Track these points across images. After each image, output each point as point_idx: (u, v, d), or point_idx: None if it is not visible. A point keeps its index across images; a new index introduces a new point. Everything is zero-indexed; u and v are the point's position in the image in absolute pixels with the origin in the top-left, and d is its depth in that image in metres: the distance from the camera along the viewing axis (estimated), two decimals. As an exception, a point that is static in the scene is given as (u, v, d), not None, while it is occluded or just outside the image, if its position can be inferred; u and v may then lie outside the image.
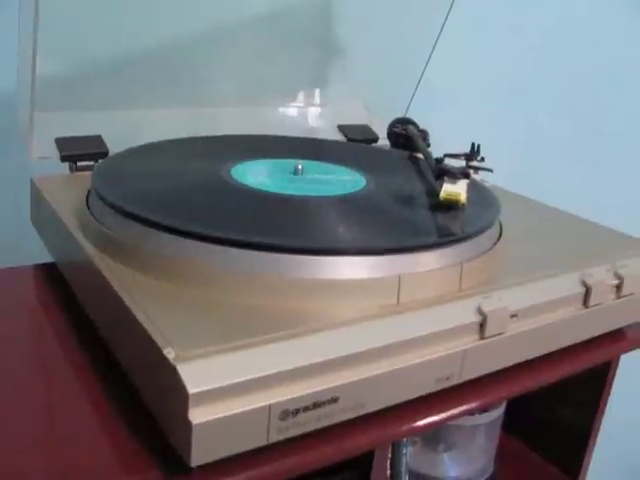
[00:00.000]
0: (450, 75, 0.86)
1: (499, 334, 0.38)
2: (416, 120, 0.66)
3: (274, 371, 0.30)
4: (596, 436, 0.58)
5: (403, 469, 0.60)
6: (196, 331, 0.32)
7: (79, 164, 0.55)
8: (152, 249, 0.37)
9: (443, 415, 0.38)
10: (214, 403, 0.29)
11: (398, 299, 0.36)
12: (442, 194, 0.44)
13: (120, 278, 0.36)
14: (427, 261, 0.38)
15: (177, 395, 0.29)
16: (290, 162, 0.50)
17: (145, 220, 0.38)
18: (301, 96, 0.75)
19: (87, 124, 0.58)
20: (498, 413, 0.63)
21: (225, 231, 0.36)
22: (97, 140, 0.57)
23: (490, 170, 0.49)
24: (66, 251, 0.45)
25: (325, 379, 0.32)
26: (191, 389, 0.28)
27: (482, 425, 0.63)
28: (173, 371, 0.29)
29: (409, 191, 0.49)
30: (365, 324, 0.34)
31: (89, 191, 0.46)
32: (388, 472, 0.60)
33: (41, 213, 0.51)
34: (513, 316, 0.39)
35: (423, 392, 0.36)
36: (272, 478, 0.32)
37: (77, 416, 0.35)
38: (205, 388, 0.29)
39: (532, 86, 0.97)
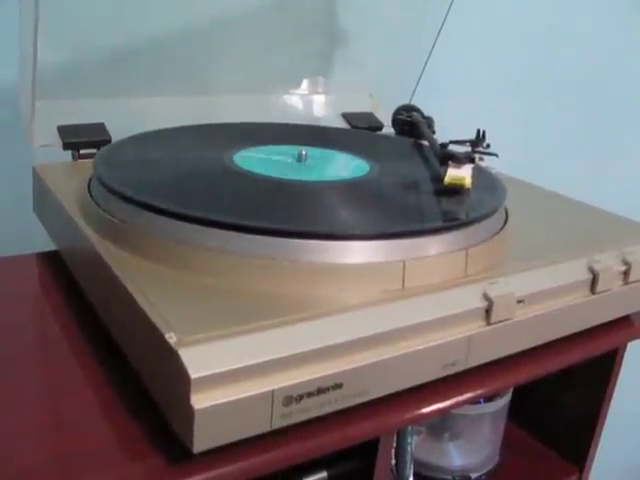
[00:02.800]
0: (455, 63, 0.85)
1: (505, 320, 0.38)
2: (421, 108, 0.65)
3: (277, 356, 0.30)
4: (602, 425, 0.57)
5: (408, 458, 0.60)
6: (198, 316, 0.32)
7: (81, 152, 0.55)
8: (153, 234, 0.37)
9: (449, 402, 0.38)
10: (216, 388, 0.29)
11: (403, 284, 0.36)
12: (447, 179, 0.43)
13: (121, 263, 0.36)
14: (432, 246, 0.37)
15: (179, 380, 0.29)
16: (294, 148, 0.49)
17: (146, 205, 0.38)
18: (305, 84, 0.74)
19: (90, 112, 0.58)
20: (504, 402, 0.62)
21: (226, 215, 0.36)
22: (100, 128, 0.57)
23: (495, 155, 0.48)
24: (68, 238, 0.45)
25: (329, 365, 0.32)
26: (193, 374, 0.28)
27: (488, 414, 0.63)
28: (175, 356, 0.29)
29: (414, 176, 0.48)
30: (370, 309, 0.34)
31: (91, 178, 0.45)
32: (393, 461, 0.60)
33: (43, 201, 0.50)
34: (520, 302, 0.38)
35: (429, 378, 0.36)
36: (276, 465, 0.32)
37: (79, 402, 0.34)
38: (207, 373, 0.28)
39: (538, 74, 0.97)
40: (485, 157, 0.60)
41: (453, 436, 0.65)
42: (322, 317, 0.32)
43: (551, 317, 0.40)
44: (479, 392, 0.39)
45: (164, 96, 0.63)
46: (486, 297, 0.37)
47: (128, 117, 0.61)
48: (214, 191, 0.42)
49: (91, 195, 0.43)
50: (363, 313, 0.33)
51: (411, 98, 0.73)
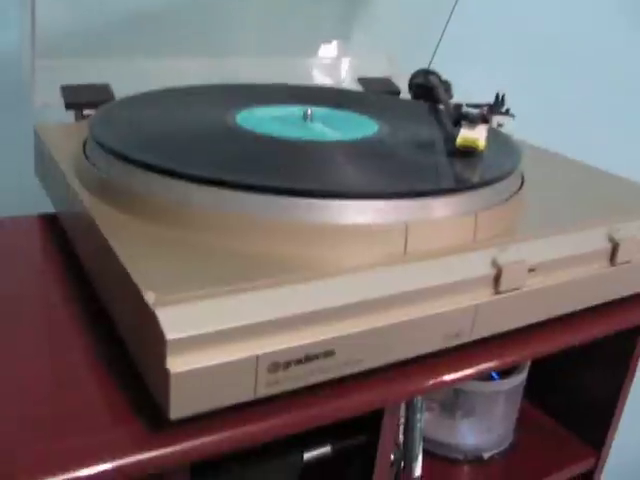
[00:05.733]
0: (478, 28, 0.82)
1: (515, 289, 0.35)
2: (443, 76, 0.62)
3: (263, 319, 0.28)
4: (623, 406, 0.55)
5: (417, 435, 0.58)
6: (182, 275, 0.30)
7: (85, 112, 0.53)
8: (139, 189, 0.35)
9: (453, 375, 0.36)
10: (196, 352, 0.27)
11: (405, 248, 0.34)
12: (459, 139, 0.41)
13: (108, 220, 0.34)
14: (438, 208, 0.35)
15: (156, 342, 0.27)
16: (300, 108, 0.47)
17: (130, 159, 0.36)
18: (323, 47, 0.72)
19: (96, 73, 0.56)
20: (520, 379, 0.60)
21: (213, 171, 0.34)
22: (104, 88, 0.55)
23: (512, 116, 0.45)
24: (62, 198, 0.43)
25: (320, 330, 0.29)
26: (169, 335, 0.26)
27: (502, 392, 0.60)
28: (152, 316, 0.27)
29: (424, 138, 0.46)
30: (366, 273, 0.31)
31: (87, 136, 0.44)
32: (401, 438, 0.58)
33: (42, 162, 0.49)
34: (531, 270, 0.36)
35: (429, 349, 0.34)
36: (261, 436, 0.30)
37: (66, 364, 0.33)
38: (185, 334, 0.26)
39: (564, 40, 0.93)
40: (505, 124, 0.58)
41: (466, 413, 0.63)
42: (313, 279, 0.30)
43: (565, 288, 0.37)
44: (486, 366, 0.37)
45: (176, 57, 0.61)
46: (495, 264, 0.34)
47: (137, 78, 0.59)
48: (206, 148, 0.40)
49: (85, 153, 0.41)
50: (358, 276, 0.31)
51: (430, 63, 0.71)
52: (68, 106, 0.53)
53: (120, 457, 0.27)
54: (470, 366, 0.37)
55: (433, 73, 0.62)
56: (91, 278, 0.38)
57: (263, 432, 0.30)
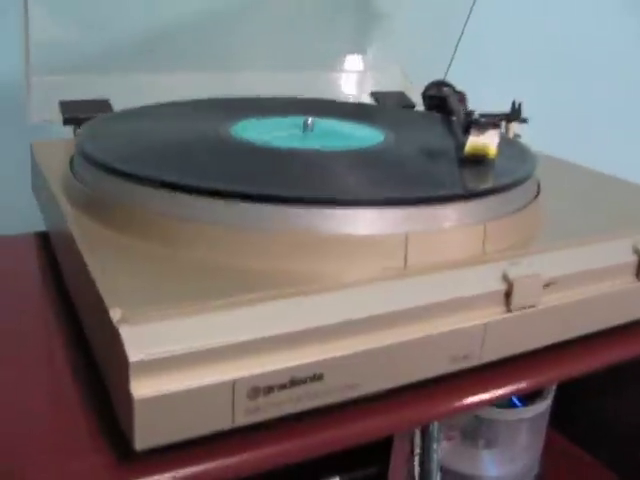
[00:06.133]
0: (494, 41, 0.80)
1: (529, 307, 0.32)
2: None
3: (241, 339, 0.25)
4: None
5: (434, 466, 0.55)
6: (158, 292, 0.27)
7: (83, 128, 0.51)
8: (118, 200, 0.32)
9: (467, 400, 0.32)
10: (164, 375, 0.24)
11: (405, 261, 0.30)
12: (467, 146, 0.38)
13: (87, 234, 0.32)
14: (441, 218, 0.32)
15: (120, 364, 0.24)
16: (300, 119, 0.44)
17: (108, 167, 0.34)
18: (336, 62, 0.70)
19: (97, 89, 0.54)
20: (544, 406, 0.57)
21: (199, 180, 0.31)
22: (104, 104, 0.53)
23: (525, 121, 0.42)
24: (51, 214, 0.41)
25: (306, 352, 0.26)
26: (132, 357, 0.23)
27: (526, 420, 0.57)
28: (116, 334, 0.24)
29: (432, 147, 0.43)
30: (359, 288, 0.28)
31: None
32: (417, 469, 0.55)
33: (36, 178, 0.47)
34: (547, 286, 0.32)
35: (434, 373, 0.30)
36: (243, 470, 0.27)
37: (38, 388, 0.30)
38: (151, 356, 0.24)
39: (580, 50, 0.90)
40: (522, 135, 0.55)
41: (488, 443, 0.59)
42: (299, 295, 0.27)
43: (585, 306, 0.34)
44: (503, 391, 0.34)
45: (185, 72, 0.60)
46: (505, 278, 0.31)
47: (141, 94, 0.57)
48: (195, 158, 0.37)
49: (71, 168, 0.39)
50: (350, 292, 0.28)
51: (445, 75, 0.68)
52: (66, 121, 0.52)
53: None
54: (485, 391, 0.33)
55: (447, 84, 0.60)
56: (72, 298, 0.35)
57: (248, 464, 0.27)
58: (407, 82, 0.71)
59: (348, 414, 0.29)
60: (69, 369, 0.31)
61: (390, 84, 0.71)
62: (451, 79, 0.66)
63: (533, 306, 0.32)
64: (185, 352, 0.24)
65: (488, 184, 0.35)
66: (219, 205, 0.30)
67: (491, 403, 0.33)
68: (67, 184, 0.38)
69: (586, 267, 0.34)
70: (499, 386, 0.34)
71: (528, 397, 0.57)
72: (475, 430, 0.59)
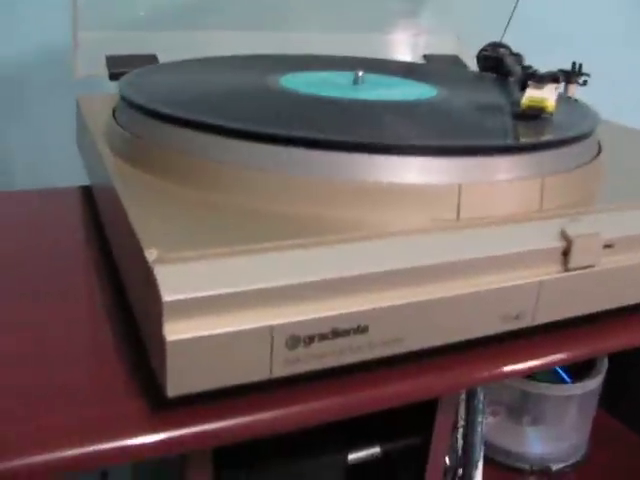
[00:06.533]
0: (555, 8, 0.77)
1: (588, 267, 0.30)
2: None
3: (281, 284, 0.24)
4: None
5: (478, 440, 0.53)
6: (195, 234, 0.26)
7: (130, 83, 0.51)
8: (159, 144, 0.31)
9: (508, 367, 0.30)
10: (199, 318, 0.23)
11: (458, 213, 0.29)
12: (524, 99, 0.36)
13: (126, 178, 0.31)
14: (497, 170, 0.30)
15: (154, 305, 0.23)
16: (351, 73, 0.43)
17: (149, 111, 0.32)
18: (391, 25, 0.68)
19: (145, 45, 0.54)
20: (594, 384, 0.55)
21: (241, 124, 0.30)
22: (151, 59, 0.52)
23: (585, 83, 0.40)
24: (93, 165, 0.40)
25: (351, 301, 0.25)
26: (167, 296, 0.22)
27: (575, 397, 0.55)
28: (151, 275, 0.23)
29: (488, 102, 0.41)
30: (408, 238, 0.27)
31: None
32: (461, 442, 0.53)
33: (80, 131, 0.47)
34: (608, 247, 0.30)
35: (484, 332, 0.29)
36: (278, 426, 0.26)
37: (73, 335, 0.30)
38: (186, 296, 0.22)
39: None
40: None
41: (534, 420, 0.57)
42: (345, 243, 0.26)
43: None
44: (553, 358, 0.32)
45: (233, 30, 0.58)
46: (564, 235, 0.29)
47: (189, 52, 0.56)
48: (239, 105, 0.36)
49: (114, 116, 0.38)
50: (399, 241, 0.26)
51: (501, 39, 0.65)
52: (112, 76, 0.51)
53: (113, 436, 0.23)
54: (535, 357, 0.31)
55: (503, 45, 0.57)
56: (111, 247, 0.35)
57: (284, 420, 0.26)
58: (461, 46, 0.69)
59: (390, 373, 0.28)
60: (107, 317, 0.31)
61: (444, 48, 0.68)
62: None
63: (592, 266, 0.30)
64: (221, 294, 0.23)
65: (546, 137, 0.33)
66: (262, 149, 0.29)
67: (542, 369, 0.31)
68: (109, 131, 0.37)
69: (651, 229, 0.32)
70: (549, 353, 0.32)
71: (578, 373, 0.55)
72: (521, 406, 0.57)
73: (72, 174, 0.50)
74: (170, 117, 0.31)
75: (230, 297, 0.23)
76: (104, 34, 0.54)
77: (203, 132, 0.30)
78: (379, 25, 0.67)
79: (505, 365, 0.30)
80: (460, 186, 0.29)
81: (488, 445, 0.57)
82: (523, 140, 0.32)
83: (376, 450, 0.40)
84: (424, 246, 0.27)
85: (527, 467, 0.57)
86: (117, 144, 0.35)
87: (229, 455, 0.34)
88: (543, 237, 0.29)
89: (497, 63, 0.55)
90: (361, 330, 0.25)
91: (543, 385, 0.54)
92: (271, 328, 0.24)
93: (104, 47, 0.52)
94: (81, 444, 0.23)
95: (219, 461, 0.30)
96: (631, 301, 0.32)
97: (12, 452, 0.22)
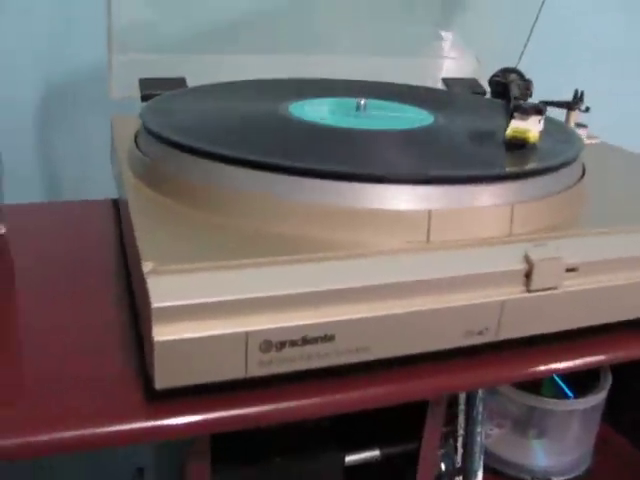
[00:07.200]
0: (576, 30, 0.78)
1: (549, 289, 0.32)
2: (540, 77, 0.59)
3: (256, 295, 0.27)
4: None
5: (477, 449, 0.55)
6: (190, 250, 0.30)
7: (161, 105, 0.55)
8: (169, 169, 0.35)
9: (469, 379, 0.33)
10: (183, 323, 0.27)
11: (428, 237, 0.32)
12: (508, 130, 0.38)
13: (141, 198, 0.35)
14: (466, 197, 0.33)
15: (146, 310, 0.27)
16: (355, 100, 0.46)
17: (163, 138, 0.36)
18: (412, 47, 0.70)
19: (177, 68, 0.58)
20: (597, 400, 0.56)
21: (240, 152, 0.34)
22: (180, 81, 0.56)
23: (587, 110, 0.42)
24: (117, 180, 0.45)
25: (319, 312, 0.28)
26: (155, 303, 0.26)
27: (577, 412, 0.57)
28: (145, 284, 0.27)
29: (478, 130, 0.43)
30: (377, 258, 0.30)
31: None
32: (460, 451, 0.55)
33: (111, 149, 0.51)
34: (571, 270, 0.33)
35: (447, 345, 0.32)
36: (263, 419, 0.29)
37: (89, 330, 0.34)
38: (173, 304, 0.26)
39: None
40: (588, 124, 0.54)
41: (539, 433, 0.59)
42: (316, 261, 0.29)
43: (611, 293, 0.34)
44: (512, 374, 0.34)
45: (260, 55, 0.62)
46: (527, 259, 0.32)
47: (218, 74, 0.60)
48: (243, 132, 0.40)
49: (135, 141, 0.43)
50: (368, 261, 0.30)
51: (518, 63, 0.68)
52: (144, 98, 0.55)
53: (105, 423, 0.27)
54: (490, 371, 0.34)
55: (514, 71, 0.59)
56: (127, 258, 0.39)
57: (261, 415, 0.30)
58: (481, 69, 0.71)
59: (363, 378, 0.31)
60: (118, 318, 0.35)
61: (465, 71, 0.71)
62: (532, 69, 0.66)
63: (554, 288, 0.32)
64: (204, 303, 0.27)
65: (521, 167, 0.36)
66: (260, 176, 0.32)
67: (508, 382, 0.34)
68: (131, 154, 0.41)
69: (617, 255, 0.34)
70: (517, 367, 0.34)
71: (581, 389, 0.56)
72: (526, 420, 0.59)
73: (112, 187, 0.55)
74: (178, 145, 0.35)
75: (212, 305, 0.27)
76: (140, 56, 0.58)
77: (208, 160, 0.34)
78: (401, 48, 0.69)
79: (470, 377, 0.33)
80: (430, 212, 0.32)
81: (493, 456, 0.59)
82: (492, 171, 0.34)
83: (375, 453, 0.43)
84: (390, 264, 0.30)
85: (528, 478, 0.59)
86: (135, 165, 0.39)
87: (227, 453, 0.37)
88: (507, 260, 0.32)
89: (505, 89, 0.57)
90: (328, 338, 0.28)
91: (547, 400, 0.56)
92: (247, 334, 0.27)
93: (140, 69, 0.56)
94: (82, 427, 0.27)
95: (218, 460, 0.33)
96: (594, 322, 0.34)
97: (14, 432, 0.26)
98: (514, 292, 0.32)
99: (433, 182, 0.32)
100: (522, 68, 0.61)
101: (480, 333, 0.32)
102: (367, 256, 0.30)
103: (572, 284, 0.33)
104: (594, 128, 0.55)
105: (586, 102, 0.54)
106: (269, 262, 0.29)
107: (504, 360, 0.34)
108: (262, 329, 0.27)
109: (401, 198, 0.32)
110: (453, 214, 0.32)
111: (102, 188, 0.54)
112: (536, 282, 0.32)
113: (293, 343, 0.28)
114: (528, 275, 0.32)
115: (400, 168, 0.35)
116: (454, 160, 0.37)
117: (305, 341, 0.28)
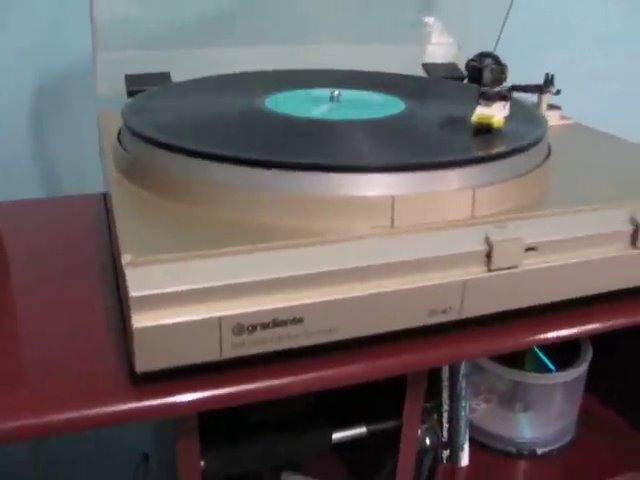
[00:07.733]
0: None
1: (510, 268, 0.34)
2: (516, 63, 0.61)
3: (227, 282, 0.29)
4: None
5: (462, 424, 0.57)
6: (167, 240, 0.31)
7: (146, 99, 0.56)
8: (149, 163, 0.37)
9: (434, 355, 0.35)
10: (160, 310, 0.29)
11: (392, 222, 0.34)
12: (474, 117, 0.40)
13: (124, 192, 0.37)
14: (428, 182, 0.35)
15: (127, 299, 0.29)
16: (330, 90, 0.48)
17: (141, 135, 0.38)
18: (396, 34, 0.72)
19: (162, 63, 0.59)
20: (579, 372, 0.58)
21: (206, 145, 0.35)
22: (164, 76, 0.58)
23: (558, 92, 0.44)
24: (104, 177, 0.46)
25: (287, 296, 0.30)
26: (133, 292, 0.28)
27: (560, 384, 0.59)
28: (124, 274, 0.29)
29: (448, 117, 0.45)
30: (344, 244, 0.32)
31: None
32: (446, 426, 0.57)
33: (99, 144, 0.53)
34: (530, 249, 0.35)
35: (412, 324, 0.33)
36: (235, 400, 0.31)
37: (71, 319, 0.36)
38: (148, 293, 0.28)
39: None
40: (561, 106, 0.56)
41: (525, 407, 0.61)
42: (285, 248, 0.31)
43: (572, 271, 0.36)
44: (480, 349, 0.36)
45: (244, 47, 0.63)
46: (487, 240, 0.34)
47: (203, 68, 0.61)
48: (214, 127, 0.41)
49: (118, 137, 0.44)
50: (333, 246, 0.32)
51: (495, 47, 0.69)
52: (130, 94, 0.56)
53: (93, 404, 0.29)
54: (458, 346, 0.36)
55: (490, 55, 0.60)
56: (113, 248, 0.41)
57: (243, 394, 0.32)
58: (461, 54, 0.72)
59: (339, 357, 0.33)
60: (105, 307, 0.37)
61: (447, 57, 0.72)
62: (511, 53, 0.67)
63: (515, 267, 0.34)
64: (178, 291, 0.29)
65: (479, 152, 0.38)
66: (227, 169, 0.34)
67: (472, 358, 0.35)
68: (114, 149, 0.43)
69: (576, 234, 0.36)
70: (481, 343, 0.36)
71: (563, 362, 0.58)
72: (512, 394, 0.61)
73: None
74: (157, 142, 0.37)
75: (186, 293, 0.29)
76: (125, 53, 0.59)
77: (185, 155, 0.36)
78: (383, 35, 0.70)
79: (436, 353, 0.35)
80: (393, 198, 0.33)
81: (480, 430, 0.61)
82: (453, 156, 0.36)
83: (362, 430, 0.44)
84: (354, 249, 0.32)
85: (514, 451, 0.61)
86: (118, 160, 0.41)
87: (218, 432, 0.39)
88: (468, 242, 0.34)
89: (480, 74, 0.58)
90: (297, 321, 0.30)
91: (530, 374, 0.58)
92: (219, 318, 0.29)
93: (125, 65, 0.58)
94: (69, 409, 0.29)
95: (208, 438, 0.35)
96: (555, 298, 0.36)
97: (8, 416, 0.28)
98: (476, 272, 0.34)
99: (396, 169, 0.34)
100: (502, 52, 0.62)
101: (444, 312, 0.34)
102: (335, 242, 0.32)
103: (532, 262, 0.35)
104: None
105: (570, 86, 0.54)
106: (240, 251, 0.30)
107: (469, 337, 0.35)
108: (234, 314, 0.29)
109: (366, 186, 0.34)
110: (416, 199, 0.34)
111: (95, 183, 0.56)
112: (496, 262, 0.34)
113: (264, 326, 0.30)
114: (489, 255, 0.34)
115: (365, 157, 0.37)
116: (419, 147, 0.39)
117: (275, 324, 0.30)
